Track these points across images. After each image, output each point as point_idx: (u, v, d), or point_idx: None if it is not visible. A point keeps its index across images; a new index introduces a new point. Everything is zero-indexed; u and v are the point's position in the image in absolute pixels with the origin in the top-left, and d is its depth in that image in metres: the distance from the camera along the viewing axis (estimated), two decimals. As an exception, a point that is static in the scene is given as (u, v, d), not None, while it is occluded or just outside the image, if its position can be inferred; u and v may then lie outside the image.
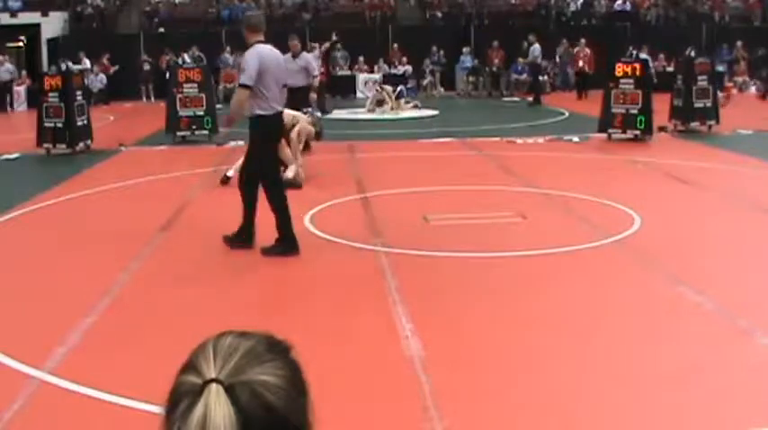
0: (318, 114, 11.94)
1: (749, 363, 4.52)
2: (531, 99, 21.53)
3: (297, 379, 1.07)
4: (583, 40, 23.42)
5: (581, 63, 22.70)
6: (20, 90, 22.90)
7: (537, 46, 21.39)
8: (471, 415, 3.93)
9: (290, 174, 9.45)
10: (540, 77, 23.21)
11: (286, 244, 6.78)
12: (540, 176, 10.32)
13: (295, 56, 12.36)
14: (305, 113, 10.56)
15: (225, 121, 7.48)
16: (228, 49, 24.75)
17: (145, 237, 7.51)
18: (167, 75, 23.09)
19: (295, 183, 9.23)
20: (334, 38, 20.43)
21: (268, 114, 6.72)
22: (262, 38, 6.81)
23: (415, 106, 20.27)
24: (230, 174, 9.69)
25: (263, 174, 6.85)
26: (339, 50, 25.19)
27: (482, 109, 20.94)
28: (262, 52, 6.67)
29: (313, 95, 12.90)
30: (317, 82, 13.12)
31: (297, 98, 11.19)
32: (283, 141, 8.85)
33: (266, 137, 6.89)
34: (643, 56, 17.56)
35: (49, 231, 8.20)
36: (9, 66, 23.24)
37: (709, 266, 6.43)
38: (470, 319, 5.31)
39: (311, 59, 13.08)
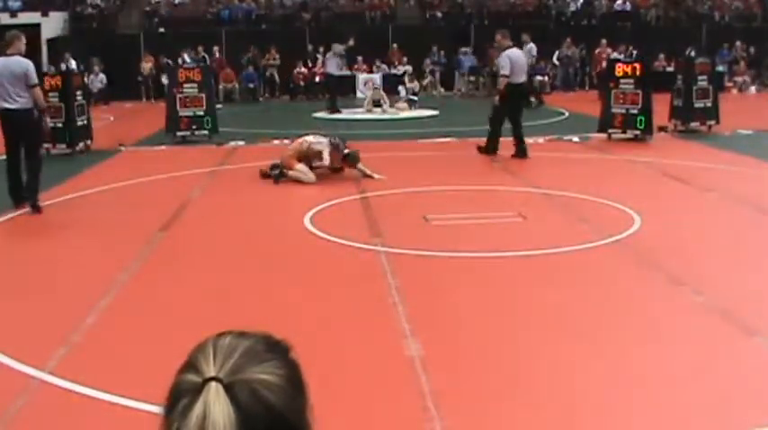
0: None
1: (749, 363, 4.52)
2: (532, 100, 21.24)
3: (296, 378, 1.07)
4: (604, 41, 23.45)
5: (604, 64, 22.67)
6: None
7: (532, 45, 21.13)
8: (471, 415, 3.93)
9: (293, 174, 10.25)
10: (540, 77, 23.16)
11: None
12: (540, 176, 10.32)
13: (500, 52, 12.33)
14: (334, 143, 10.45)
15: None
16: (253, 48, 24.83)
17: (145, 237, 7.51)
18: (142, 77, 23.72)
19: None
20: (351, 42, 20.56)
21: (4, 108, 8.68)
22: (11, 50, 8.74)
23: (410, 101, 20.26)
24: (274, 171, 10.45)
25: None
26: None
27: (482, 109, 20.87)
28: None
29: (495, 98, 12.15)
30: (501, 83, 11.94)
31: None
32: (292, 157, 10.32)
33: None
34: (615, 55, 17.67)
35: (49, 231, 8.20)
36: (102, 76, 23.71)
37: (709, 266, 6.43)
38: (470, 319, 5.31)
39: (503, 57, 11.96)
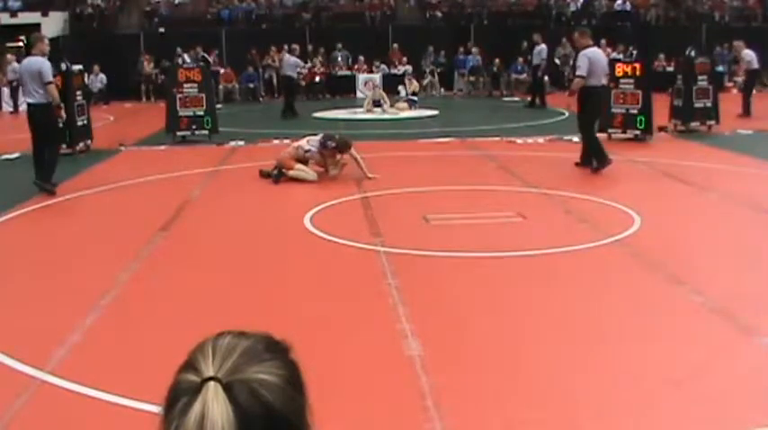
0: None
1: (749, 363, 4.52)
2: (529, 99, 21.23)
3: (295, 378, 1.07)
4: (603, 41, 23.40)
5: None
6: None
7: (543, 47, 20.99)
8: (471, 415, 3.93)
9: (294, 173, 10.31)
10: (546, 78, 23.16)
11: None
12: (540, 176, 10.32)
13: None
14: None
15: None
16: (286, 48, 24.82)
17: (145, 237, 7.51)
18: (142, 77, 23.79)
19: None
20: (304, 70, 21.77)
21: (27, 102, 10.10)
22: (34, 51, 9.84)
23: (410, 101, 20.26)
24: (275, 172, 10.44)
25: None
26: (339, 50, 25.30)
27: (482, 109, 20.93)
28: (23, 61, 10.34)
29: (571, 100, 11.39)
30: (576, 84, 10.83)
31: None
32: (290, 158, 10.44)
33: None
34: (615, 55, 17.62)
35: (49, 231, 8.20)
36: (102, 76, 23.80)
37: (709, 266, 6.43)
38: (470, 319, 5.31)
39: (581, 57, 10.81)
